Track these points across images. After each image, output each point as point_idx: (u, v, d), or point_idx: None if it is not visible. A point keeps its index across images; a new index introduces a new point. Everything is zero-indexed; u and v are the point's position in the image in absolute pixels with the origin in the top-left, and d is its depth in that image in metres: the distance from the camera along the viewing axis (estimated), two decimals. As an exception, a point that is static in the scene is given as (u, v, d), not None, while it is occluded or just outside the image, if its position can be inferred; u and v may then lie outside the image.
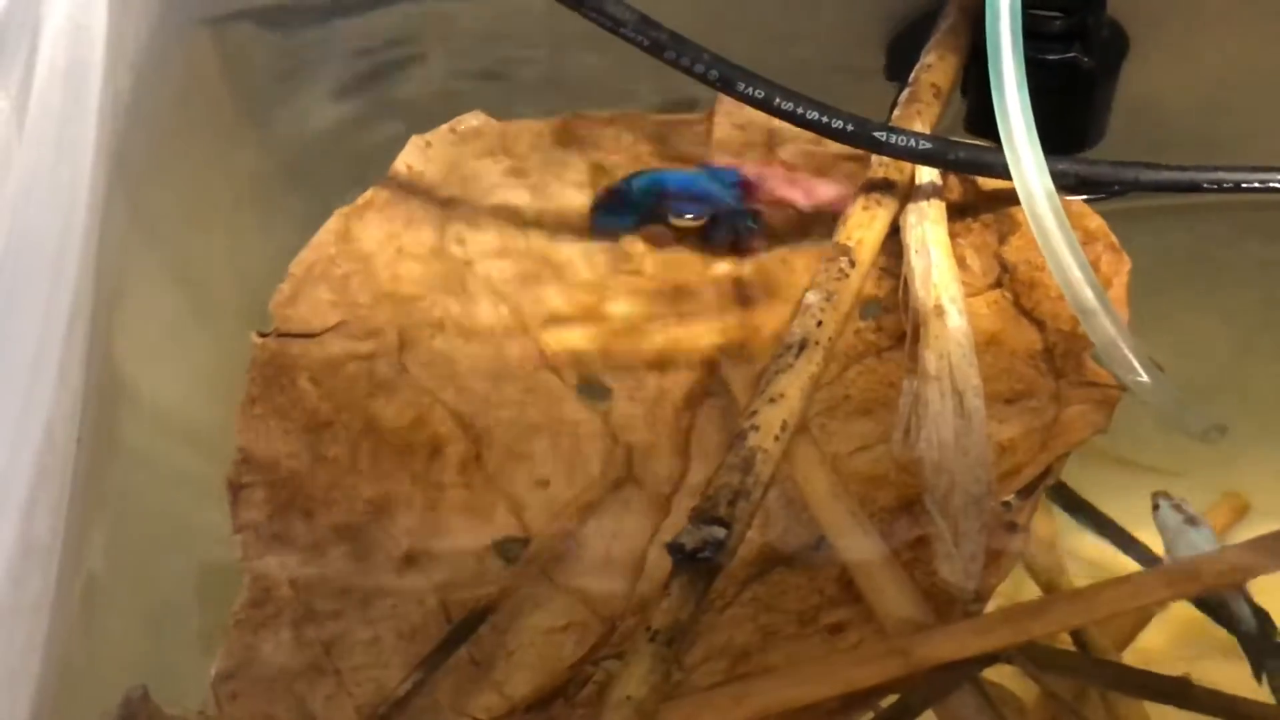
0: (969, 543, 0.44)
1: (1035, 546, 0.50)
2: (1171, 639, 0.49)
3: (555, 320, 0.51)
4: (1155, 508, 0.46)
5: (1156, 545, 0.48)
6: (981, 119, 0.52)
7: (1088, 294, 0.47)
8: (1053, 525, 0.51)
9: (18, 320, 0.44)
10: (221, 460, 0.48)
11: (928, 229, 0.50)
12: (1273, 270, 0.54)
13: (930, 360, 0.47)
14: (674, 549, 0.43)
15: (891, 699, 0.42)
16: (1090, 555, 0.51)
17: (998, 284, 0.50)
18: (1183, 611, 0.48)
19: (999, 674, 0.44)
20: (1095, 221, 0.50)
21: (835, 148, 0.52)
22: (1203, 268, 0.54)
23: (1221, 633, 0.46)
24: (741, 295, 0.51)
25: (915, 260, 0.50)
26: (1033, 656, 0.42)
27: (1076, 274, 0.47)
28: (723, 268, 0.52)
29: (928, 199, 0.51)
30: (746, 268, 0.52)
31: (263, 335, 0.49)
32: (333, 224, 0.52)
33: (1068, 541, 0.51)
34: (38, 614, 0.41)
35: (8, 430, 0.42)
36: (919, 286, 0.49)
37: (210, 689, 0.44)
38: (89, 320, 0.46)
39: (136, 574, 0.49)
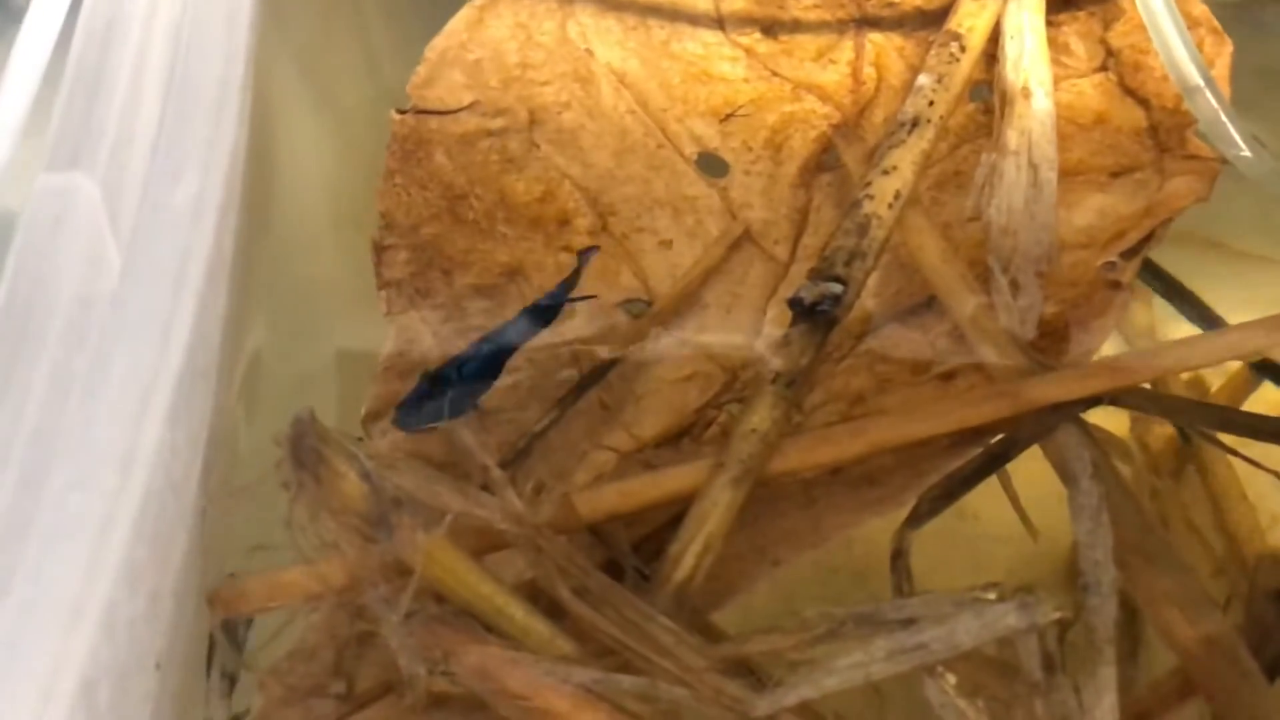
0: (1026, 296, 0.46)
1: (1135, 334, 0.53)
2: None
3: (674, 102, 0.53)
4: None
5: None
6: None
7: (1192, 71, 0.48)
8: (1151, 314, 0.54)
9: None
10: (362, 229, 0.51)
11: (1026, 17, 0.52)
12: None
13: (1011, 137, 0.50)
14: (794, 302, 0.46)
15: (999, 438, 0.45)
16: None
17: (1103, 67, 0.52)
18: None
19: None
20: (1199, 8, 0.52)
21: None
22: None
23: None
24: (856, 79, 0.53)
25: (1009, 45, 0.52)
26: (1136, 401, 0.45)
27: (1181, 51, 0.48)
28: (838, 53, 0.54)
29: (1029, -8, 0.53)
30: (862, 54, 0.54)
31: (401, 112, 0.52)
32: (464, 14, 0.55)
33: (1166, 330, 0.54)
34: (207, 380, 0.43)
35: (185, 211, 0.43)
36: (1010, 69, 0.51)
37: (361, 427, 0.47)
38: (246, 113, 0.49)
39: (288, 345, 0.52)
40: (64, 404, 0.35)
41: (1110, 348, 0.49)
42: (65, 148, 0.40)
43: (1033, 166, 0.49)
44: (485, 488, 0.42)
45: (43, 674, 0.31)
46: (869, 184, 0.48)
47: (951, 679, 0.38)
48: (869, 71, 0.53)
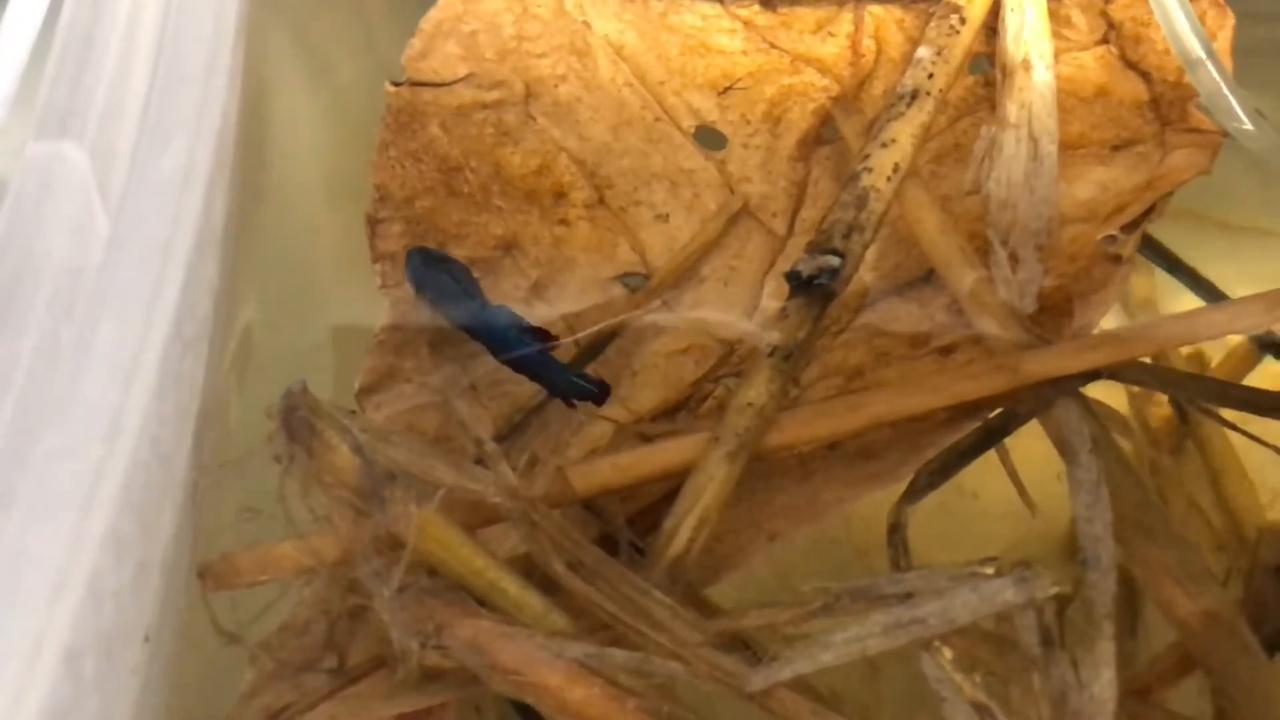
0: (1025, 269, 0.46)
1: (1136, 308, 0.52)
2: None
3: (672, 74, 0.53)
4: None
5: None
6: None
7: (1194, 44, 0.48)
8: (1152, 286, 0.54)
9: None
10: (357, 203, 0.51)
11: (1026, -10, 0.52)
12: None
13: (1011, 110, 0.49)
14: (791, 276, 0.45)
15: (997, 412, 0.44)
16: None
17: (1104, 40, 0.52)
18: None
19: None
20: (1201, -19, 0.51)
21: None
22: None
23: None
24: (855, 51, 0.53)
25: (1010, 18, 0.51)
26: (1136, 375, 0.44)
27: (1183, 24, 0.48)
28: (837, 25, 0.53)
29: (1031, -38, 0.53)
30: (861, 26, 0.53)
31: (396, 84, 0.52)
32: (459, -16, 0.54)
33: (1167, 304, 0.53)
34: (196, 352, 0.43)
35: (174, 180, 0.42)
36: (1010, 42, 0.51)
37: (355, 400, 0.47)
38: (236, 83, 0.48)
39: (281, 318, 0.51)
40: (50, 372, 0.35)
41: (1111, 321, 0.49)
42: (54, 116, 0.40)
43: (1033, 140, 0.48)
44: (479, 461, 0.41)
45: (26, 641, 0.31)
46: (867, 157, 0.48)
47: (948, 654, 0.37)
48: (868, 44, 0.53)
